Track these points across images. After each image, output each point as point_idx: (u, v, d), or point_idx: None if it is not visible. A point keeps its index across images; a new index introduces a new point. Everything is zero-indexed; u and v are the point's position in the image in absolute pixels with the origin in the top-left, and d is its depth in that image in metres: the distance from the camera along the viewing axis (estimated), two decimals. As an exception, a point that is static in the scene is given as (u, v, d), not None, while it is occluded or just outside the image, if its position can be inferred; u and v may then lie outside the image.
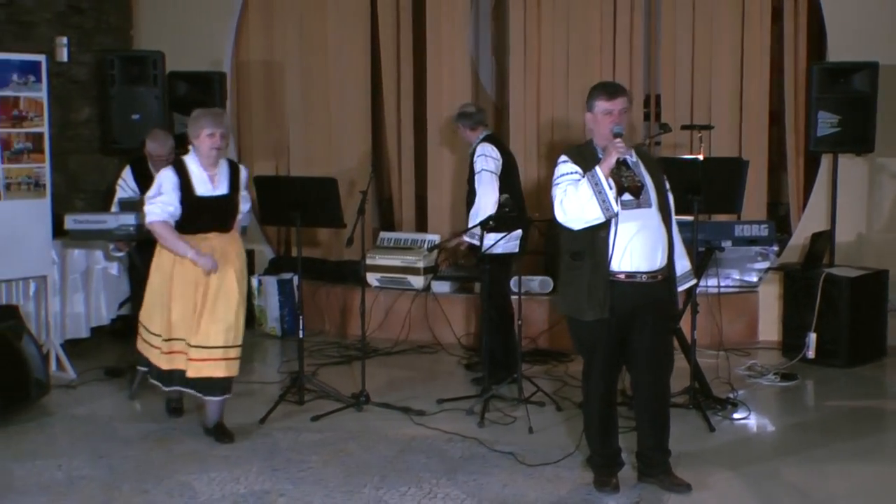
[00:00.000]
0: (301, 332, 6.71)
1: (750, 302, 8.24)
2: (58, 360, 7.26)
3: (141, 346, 6.05)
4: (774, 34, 8.49)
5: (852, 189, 8.03)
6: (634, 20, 8.61)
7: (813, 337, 7.50)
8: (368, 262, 8.22)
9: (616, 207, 4.72)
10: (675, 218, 5.13)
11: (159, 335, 5.90)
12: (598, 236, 4.83)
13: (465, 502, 4.97)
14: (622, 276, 4.85)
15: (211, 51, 9.15)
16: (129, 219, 6.68)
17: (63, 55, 8.36)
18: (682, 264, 5.16)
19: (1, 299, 7.14)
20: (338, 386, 6.82)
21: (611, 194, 4.70)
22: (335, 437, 5.92)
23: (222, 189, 5.91)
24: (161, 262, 5.93)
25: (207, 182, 5.85)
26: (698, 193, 6.09)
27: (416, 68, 9.28)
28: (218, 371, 5.82)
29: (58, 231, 7.07)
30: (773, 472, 5.37)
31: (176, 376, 5.88)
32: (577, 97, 8.62)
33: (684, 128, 7.95)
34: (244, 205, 6.11)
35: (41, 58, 7.14)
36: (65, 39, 8.36)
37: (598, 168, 4.74)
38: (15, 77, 6.92)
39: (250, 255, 9.04)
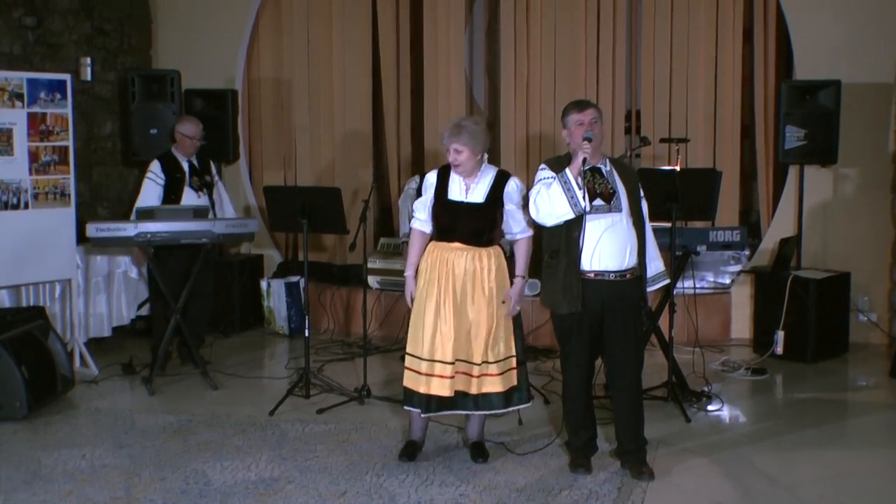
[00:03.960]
0: (307, 331, 6.68)
1: (723, 302, 8.25)
2: (81, 357, 7.25)
3: (411, 380, 5.23)
4: (746, 54, 8.51)
5: (818, 197, 8.06)
6: (616, 42, 8.63)
7: (781, 334, 7.52)
8: (370, 265, 8.22)
9: (584, 204, 4.76)
10: (649, 224, 5.16)
11: (438, 360, 5.15)
12: (571, 237, 4.89)
13: (460, 488, 4.97)
14: (591, 275, 4.91)
15: (224, 69, 9.15)
16: (147, 227, 6.57)
17: (87, 74, 8.33)
18: (655, 265, 5.19)
19: (29, 300, 7.14)
20: (342, 381, 6.81)
21: (579, 192, 4.74)
22: (339, 429, 5.91)
23: (476, 197, 5.19)
24: (431, 277, 5.22)
25: (463, 189, 5.21)
26: (676, 202, 6.07)
27: (414, 85, 9.29)
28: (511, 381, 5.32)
29: (82, 237, 7.04)
30: (745, 459, 5.39)
31: (458, 400, 5.23)
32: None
33: (662, 141, 7.96)
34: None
35: (66, 77, 7.16)
36: (89, 60, 8.33)
37: (567, 169, 4.80)
38: (43, 94, 6.94)
39: (259, 259, 9.06)
